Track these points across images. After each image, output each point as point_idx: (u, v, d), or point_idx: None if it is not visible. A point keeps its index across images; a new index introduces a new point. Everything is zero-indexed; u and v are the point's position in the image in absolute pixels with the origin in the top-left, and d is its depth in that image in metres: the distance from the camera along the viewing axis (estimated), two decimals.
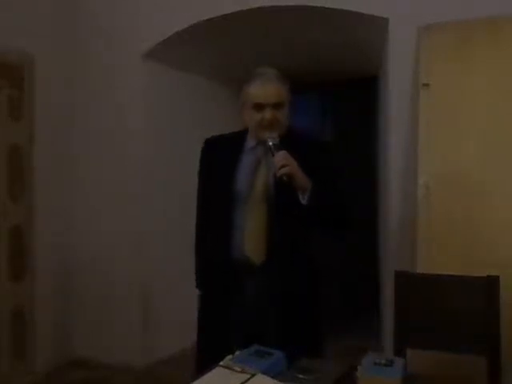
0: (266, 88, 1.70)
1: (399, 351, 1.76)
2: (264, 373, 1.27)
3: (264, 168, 1.74)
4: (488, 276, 1.74)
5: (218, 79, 4.08)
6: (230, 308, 1.73)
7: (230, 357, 1.36)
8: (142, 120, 3.44)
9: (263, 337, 1.53)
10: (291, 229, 1.70)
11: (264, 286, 1.69)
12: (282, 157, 1.62)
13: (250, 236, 1.70)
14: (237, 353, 1.39)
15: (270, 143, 1.66)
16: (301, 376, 1.33)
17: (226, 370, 1.29)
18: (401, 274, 1.87)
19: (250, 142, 1.80)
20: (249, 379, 1.24)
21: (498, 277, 1.73)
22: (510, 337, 1.77)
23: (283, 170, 1.60)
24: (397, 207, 2.76)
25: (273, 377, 1.27)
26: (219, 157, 1.82)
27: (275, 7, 2.93)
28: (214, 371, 1.30)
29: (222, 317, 1.75)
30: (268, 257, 1.69)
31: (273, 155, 1.65)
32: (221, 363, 1.33)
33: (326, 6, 2.84)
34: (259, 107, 1.71)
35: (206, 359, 1.46)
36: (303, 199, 1.64)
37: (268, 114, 1.69)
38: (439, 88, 2.42)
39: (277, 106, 1.71)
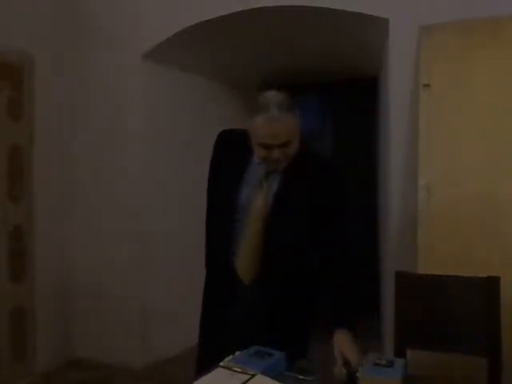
0: (273, 128, 1.53)
1: (400, 352, 1.76)
2: (264, 373, 1.27)
3: (264, 191, 1.66)
4: (488, 276, 1.74)
5: (217, 79, 4.08)
6: (229, 310, 1.72)
7: (229, 357, 1.36)
8: (142, 120, 3.44)
9: (259, 339, 1.51)
10: (285, 252, 1.65)
11: (256, 294, 1.66)
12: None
13: (242, 256, 1.66)
14: (237, 353, 1.39)
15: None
16: (301, 376, 1.33)
17: (226, 370, 1.29)
18: (401, 274, 1.87)
19: (257, 158, 1.69)
20: (249, 380, 1.24)
21: (499, 277, 1.73)
22: (511, 337, 1.77)
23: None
24: (397, 207, 2.76)
25: (273, 377, 1.27)
26: (228, 159, 1.74)
27: (276, 7, 2.93)
28: (214, 372, 1.30)
29: (222, 317, 1.74)
30: (259, 277, 1.64)
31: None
32: (221, 364, 1.33)
33: (326, 6, 2.84)
34: (266, 146, 1.58)
35: (207, 359, 1.45)
36: None
37: (276, 153, 1.57)
38: (439, 88, 2.41)
39: (285, 143, 1.57)
